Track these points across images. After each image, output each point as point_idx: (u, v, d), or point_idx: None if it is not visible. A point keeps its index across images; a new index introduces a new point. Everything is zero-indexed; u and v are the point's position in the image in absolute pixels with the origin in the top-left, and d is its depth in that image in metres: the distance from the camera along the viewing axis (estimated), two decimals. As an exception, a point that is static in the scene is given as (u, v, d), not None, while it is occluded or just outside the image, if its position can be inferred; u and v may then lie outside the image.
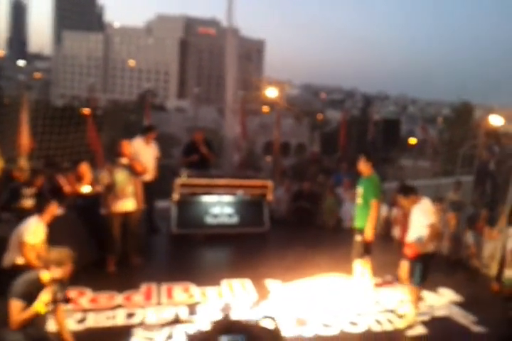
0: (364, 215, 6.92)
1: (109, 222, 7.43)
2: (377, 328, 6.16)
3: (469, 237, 8.75)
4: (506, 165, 10.84)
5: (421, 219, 6.13)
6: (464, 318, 6.62)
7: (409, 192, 6.24)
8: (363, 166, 7.08)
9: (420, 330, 6.21)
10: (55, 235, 6.43)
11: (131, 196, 7.53)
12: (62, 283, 4.75)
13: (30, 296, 4.51)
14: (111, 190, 7.36)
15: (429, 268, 6.27)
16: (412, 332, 6.15)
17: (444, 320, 6.57)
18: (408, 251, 6.19)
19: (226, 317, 1.12)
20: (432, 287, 7.48)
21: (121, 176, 7.43)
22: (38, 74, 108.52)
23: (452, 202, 11.18)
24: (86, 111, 11.28)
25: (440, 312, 6.78)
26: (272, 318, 1.29)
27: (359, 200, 7.06)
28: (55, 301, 4.67)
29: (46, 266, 4.66)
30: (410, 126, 64.81)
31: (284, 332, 5.61)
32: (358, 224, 7.07)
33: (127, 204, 7.51)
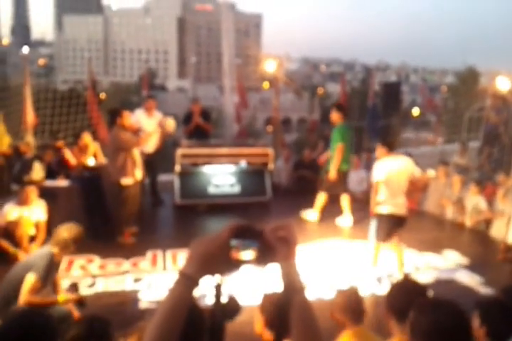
0: (331, 159, 8.05)
1: (127, 192, 7.19)
2: (379, 292, 6.00)
3: (480, 202, 8.53)
4: (513, 126, 10.80)
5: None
6: (470, 280, 6.51)
7: (386, 143, 6.23)
8: (333, 116, 8.03)
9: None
10: (61, 207, 6.65)
11: (139, 165, 7.44)
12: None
13: (46, 276, 4.45)
14: (133, 159, 7.20)
15: (391, 231, 6.16)
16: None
17: (450, 282, 6.47)
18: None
19: (239, 223, 1.18)
20: (437, 249, 7.45)
21: None
22: (42, 61, 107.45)
23: (457, 166, 11.05)
24: (89, 93, 11.59)
25: (445, 274, 6.68)
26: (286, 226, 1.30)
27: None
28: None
29: (58, 243, 4.56)
30: (413, 96, 62.52)
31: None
32: (327, 166, 8.21)
33: (139, 173, 7.42)
